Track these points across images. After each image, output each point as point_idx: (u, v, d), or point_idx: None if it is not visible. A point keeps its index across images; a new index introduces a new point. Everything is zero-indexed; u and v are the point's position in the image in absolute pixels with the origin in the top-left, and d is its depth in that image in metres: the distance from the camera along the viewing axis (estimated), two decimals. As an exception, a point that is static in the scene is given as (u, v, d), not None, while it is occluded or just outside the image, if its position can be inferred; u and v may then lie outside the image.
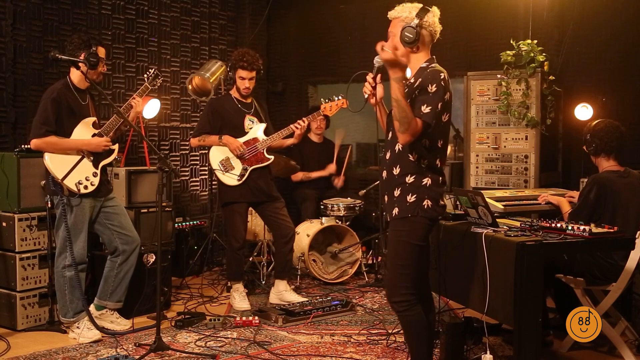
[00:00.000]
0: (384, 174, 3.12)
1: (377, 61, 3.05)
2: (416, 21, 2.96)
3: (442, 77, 2.94)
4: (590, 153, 3.93)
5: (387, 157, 3.10)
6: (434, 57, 3.09)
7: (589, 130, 3.92)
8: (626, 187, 3.76)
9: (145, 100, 4.91)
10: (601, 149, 3.86)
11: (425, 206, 2.97)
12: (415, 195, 2.98)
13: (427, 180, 2.99)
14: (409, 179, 3.00)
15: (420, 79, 2.99)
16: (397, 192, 3.03)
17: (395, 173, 3.04)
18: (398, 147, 3.03)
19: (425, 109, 2.89)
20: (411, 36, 2.96)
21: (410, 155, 3.00)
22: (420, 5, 3.02)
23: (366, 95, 3.10)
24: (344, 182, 6.33)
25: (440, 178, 3.05)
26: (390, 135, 3.10)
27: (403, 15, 3.02)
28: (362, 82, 3.14)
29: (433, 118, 2.89)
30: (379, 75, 3.08)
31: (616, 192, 3.71)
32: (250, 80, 4.82)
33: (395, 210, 3.02)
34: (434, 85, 2.91)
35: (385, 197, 3.11)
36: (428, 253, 3.21)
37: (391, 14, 3.09)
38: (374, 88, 3.09)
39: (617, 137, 3.84)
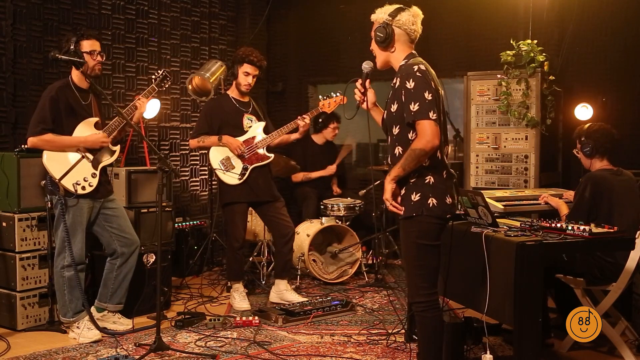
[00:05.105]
0: None
1: (365, 67, 3.12)
2: (386, 19, 3.00)
3: (415, 69, 2.92)
4: (585, 154, 3.94)
5: (390, 160, 3.11)
6: (414, 52, 3.06)
7: (583, 132, 3.96)
8: (620, 184, 3.79)
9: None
10: (596, 150, 3.89)
11: (431, 204, 2.95)
12: (419, 194, 2.97)
13: (429, 178, 2.97)
14: (412, 178, 2.99)
15: (399, 79, 2.99)
16: (402, 192, 3.03)
17: None
18: (398, 150, 3.03)
19: (414, 107, 2.88)
20: (381, 35, 3.01)
21: None
22: (398, 6, 3.04)
23: (357, 101, 3.13)
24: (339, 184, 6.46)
25: (445, 172, 3.02)
26: (389, 139, 3.11)
27: (378, 16, 3.08)
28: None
29: (429, 109, 2.86)
30: (367, 81, 3.12)
31: (611, 189, 3.73)
32: (253, 78, 4.83)
33: (402, 210, 3.02)
34: (411, 80, 2.91)
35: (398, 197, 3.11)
36: None
37: (372, 17, 3.12)
38: (364, 94, 3.12)
39: (610, 140, 3.89)
